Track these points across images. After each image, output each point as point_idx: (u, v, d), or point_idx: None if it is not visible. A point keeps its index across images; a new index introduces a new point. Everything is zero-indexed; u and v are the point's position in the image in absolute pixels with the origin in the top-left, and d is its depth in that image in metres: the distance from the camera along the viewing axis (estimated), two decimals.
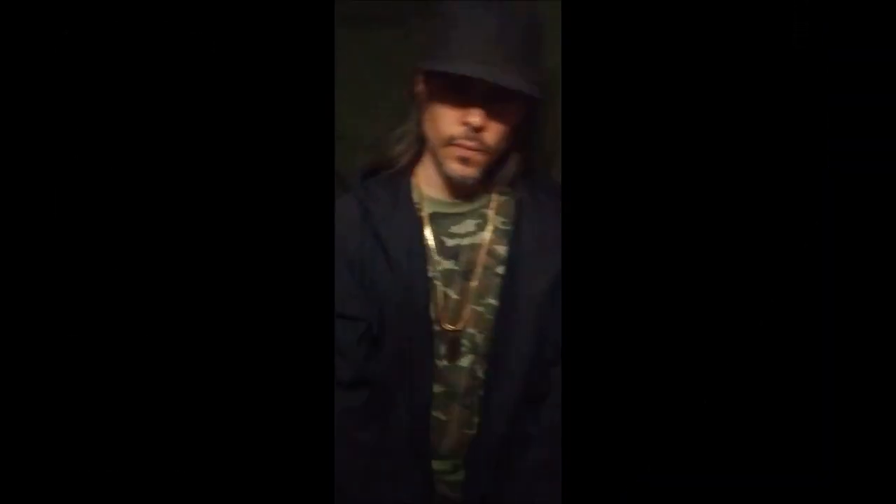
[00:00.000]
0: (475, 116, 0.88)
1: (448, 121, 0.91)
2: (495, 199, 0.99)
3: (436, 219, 0.99)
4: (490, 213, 0.99)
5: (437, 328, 0.96)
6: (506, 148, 0.95)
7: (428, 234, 0.98)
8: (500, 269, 0.97)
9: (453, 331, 0.96)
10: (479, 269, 0.97)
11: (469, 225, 0.99)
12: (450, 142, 0.91)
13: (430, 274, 0.96)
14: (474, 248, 0.98)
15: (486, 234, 0.98)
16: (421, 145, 0.98)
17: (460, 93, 0.89)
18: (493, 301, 0.96)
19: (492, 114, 0.90)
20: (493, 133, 0.91)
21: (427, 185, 1.00)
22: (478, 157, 0.92)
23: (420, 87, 0.94)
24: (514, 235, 0.98)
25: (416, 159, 1.00)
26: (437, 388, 0.96)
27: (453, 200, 0.99)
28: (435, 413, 0.97)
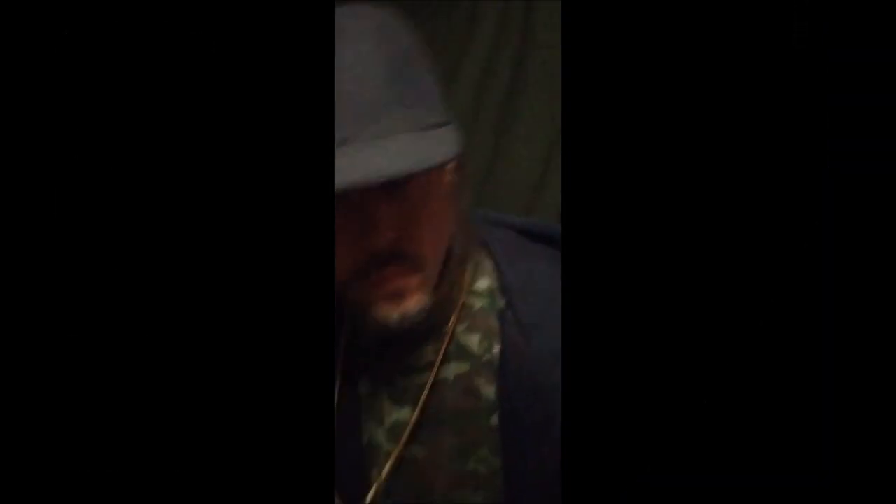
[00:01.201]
0: (379, 236, 0.60)
1: (343, 248, 0.62)
2: (467, 309, 0.69)
3: (380, 350, 0.69)
4: (464, 332, 0.68)
5: None
6: (447, 241, 0.66)
7: (365, 380, 0.69)
8: (494, 419, 0.67)
9: None
10: (467, 417, 0.67)
11: (432, 353, 0.69)
12: (360, 276, 0.63)
13: (366, 437, 0.67)
14: (447, 385, 0.68)
15: (454, 368, 0.68)
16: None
17: (344, 207, 0.61)
18: (495, 462, 0.67)
19: (396, 210, 0.61)
20: (413, 234, 0.62)
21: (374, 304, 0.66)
22: (412, 280, 0.63)
23: None
24: (501, 368, 0.67)
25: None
26: None
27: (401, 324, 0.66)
28: None
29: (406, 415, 0.66)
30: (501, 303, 0.68)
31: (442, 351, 0.67)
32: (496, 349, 0.67)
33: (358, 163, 0.56)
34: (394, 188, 0.60)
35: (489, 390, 0.67)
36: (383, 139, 0.57)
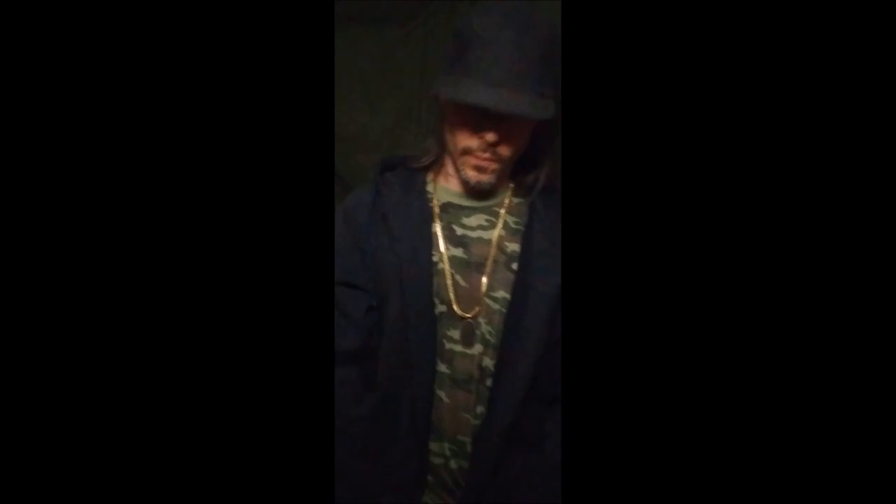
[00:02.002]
0: (489, 135, 0.93)
1: (464, 135, 0.96)
2: (508, 200, 1.04)
3: (447, 208, 1.03)
4: (502, 212, 1.04)
5: (444, 309, 0.99)
6: (521, 155, 1.00)
7: (437, 221, 1.02)
8: (514, 265, 1.00)
9: (468, 318, 0.98)
10: (489, 263, 1.00)
11: (480, 219, 1.03)
12: (466, 152, 0.97)
13: (436, 258, 0.99)
14: (484, 241, 1.01)
15: (497, 231, 1.02)
16: (442, 149, 1.03)
17: (475, 111, 0.92)
18: (504, 295, 0.99)
19: (506, 130, 0.94)
20: (508, 147, 0.96)
21: (445, 180, 1.05)
22: (493, 165, 0.97)
23: (441, 99, 0.99)
24: (525, 235, 1.02)
25: (436, 160, 1.05)
26: (441, 369, 0.98)
27: (468, 196, 1.04)
28: (438, 392, 0.98)
29: (459, 253, 1.01)
30: (535, 200, 1.05)
31: (497, 220, 1.04)
32: (523, 227, 1.04)
33: (492, 98, 0.90)
34: (512, 119, 0.94)
35: (514, 247, 1.02)
36: (521, 93, 0.91)
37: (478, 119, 0.94)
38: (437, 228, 1.02)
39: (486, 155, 0.96)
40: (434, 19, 1.32)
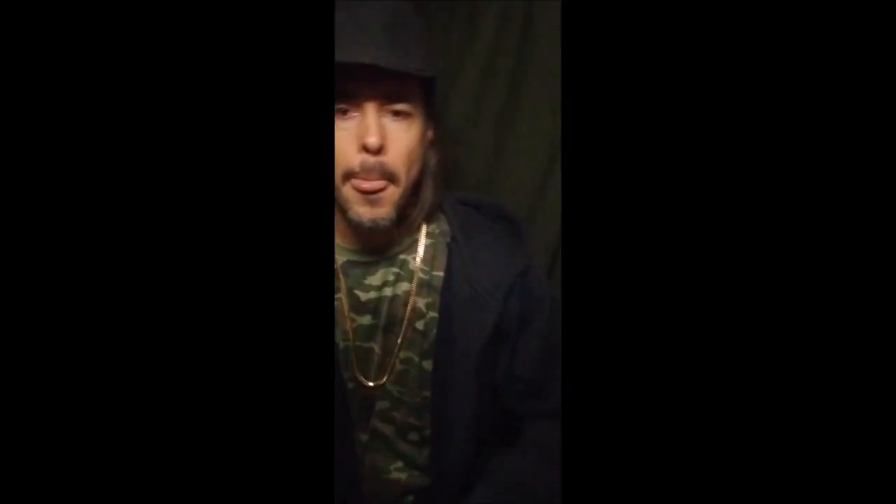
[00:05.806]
0: (371, 139, 0.77)
1: (343, 148, 0.78)
2: (419, 243, 0.90)
3: (347, 270, 0.89)
4: (412, 260, 0.90)
5: (351, 386, 0.91)
6: (416, 175, 0.84)
7: (339, 290, 0.88)
8: (420, 325, 0.90)
9: (371, 387, 0.91)
10: (403, 324, 0.89)
11: (387, 274, 0.90)
12: (348, 176, 0.80)
13: (340, 336, 0.88)
14: (395, 300, 0.90)
15: (406, 285, 0.90)
16: None
17: (350, 103, 0.78)
18: (412, 356, 0.91)
19: (389, 130, 0.79)
20: (395, 155, 0.79)
21: (339, 236, 0.88)
22: (386, 190, 0.80)
23: None
24: (444, 284, 0.89)
25: None
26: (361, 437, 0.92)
27: (366, 250, 0.89)
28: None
29: (367, 320, 0.89)
30: (448, 239, 0.90)
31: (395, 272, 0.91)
32: (441, 273, 0.89)
33: (371, 53, 0.74)
34: (392, 112, 0.79)
35: (422, 303, 0.89)
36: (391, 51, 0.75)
37: (355, 118, 0.78)
38: (342, 296, 0.87)
39: (374, 175, 0.78)
40: (434, 20, 1.32)
